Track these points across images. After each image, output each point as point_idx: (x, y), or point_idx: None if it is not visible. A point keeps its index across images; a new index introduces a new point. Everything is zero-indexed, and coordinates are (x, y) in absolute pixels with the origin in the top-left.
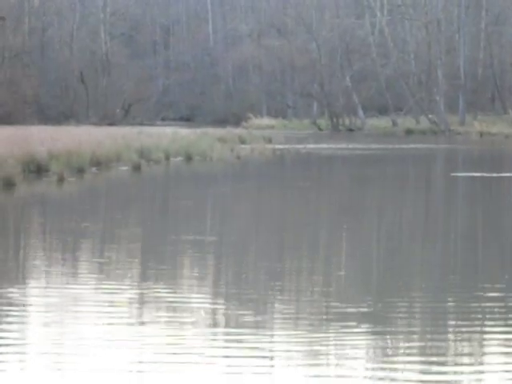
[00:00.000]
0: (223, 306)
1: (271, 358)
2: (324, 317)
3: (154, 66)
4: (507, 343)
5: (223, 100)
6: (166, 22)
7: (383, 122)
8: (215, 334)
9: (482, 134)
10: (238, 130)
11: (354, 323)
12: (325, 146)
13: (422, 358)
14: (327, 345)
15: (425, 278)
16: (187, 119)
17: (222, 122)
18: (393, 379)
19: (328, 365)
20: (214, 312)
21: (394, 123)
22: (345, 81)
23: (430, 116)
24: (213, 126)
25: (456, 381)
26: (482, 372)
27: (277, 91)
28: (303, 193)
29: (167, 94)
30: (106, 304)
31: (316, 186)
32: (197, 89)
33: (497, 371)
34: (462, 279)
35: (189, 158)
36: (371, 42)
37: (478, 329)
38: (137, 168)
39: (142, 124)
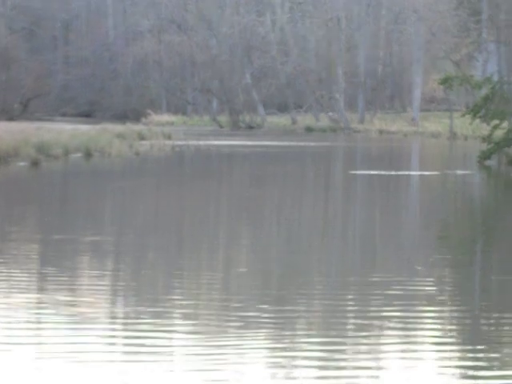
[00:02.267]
0: (120, 307)
1: (170, 361)
2: (223, 318)
3: (53, 61)
4: (406, 340)
5: (122, 96)
6: (67, 17)
7: (283, 120)
8: (114, 334)
9: (381, 132)
10: (138, 126)
11: (253, 324)
12: (225, 142)
13: (321, 354)
14: (226, 347)
15: (324, 275)
16: (87, 115)
17: (121, 117)
18: (290, 377)
19: (225, 370)
20: (112, 312)
21: (294, 121)
22: (245, 78)
23: (329, 113)
24: (112, 121)
25: (354, 376)
26: (380, 368)
27: (177, 87)
28: (202, 190)
29: (67, 90)
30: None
31: (215, 183)
32: (96, 84)
33: (392, 367)
34: (360, 277)
35: (88, 153)
36: (271, 39)
37: (377, 322)
38: (35, 164)
39: (40, 119)
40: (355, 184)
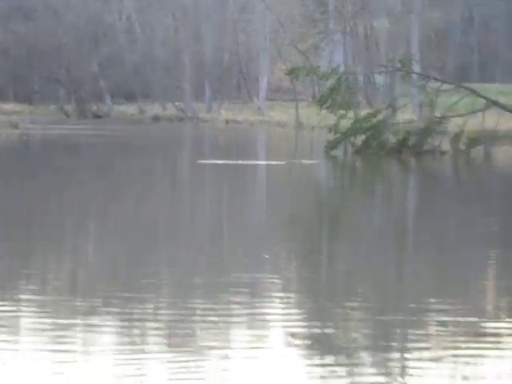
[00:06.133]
0: None
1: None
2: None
3: None
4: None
5: None
6: None
7: (131, 109)
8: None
9: (228, 122)
10: None
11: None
12: (71, 132)
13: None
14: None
15: (167, 277)
16: None
17: None
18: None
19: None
20: None
21: (142, 110)
22: (92, 66)
23: (176, 103)
24: None
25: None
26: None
27: (23, 76)
28: (40, 182)
29: None
30: None
31: (56, 174)
32: None
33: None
34: (212, 275)
35: None
36: (118, 27)
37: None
38: None
39: None
40: (203, 173)
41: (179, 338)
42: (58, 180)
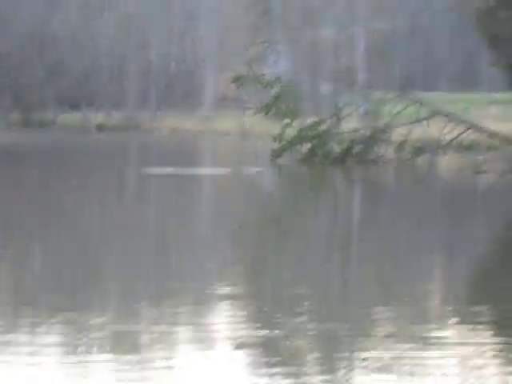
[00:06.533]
0: None
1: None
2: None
3: None
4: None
5: None
6: None
7: (75, 117)
8: None
9: (174, 130)
10: None
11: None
12: (16, 141)
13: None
14: None
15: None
16: None
17: None
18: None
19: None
20: None
21: (86, 118)
22: (37, 75)
23: (121, 111)
24: None
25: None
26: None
27: None
28: None
29: None
30: None
31: None
32: None
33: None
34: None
35: None
36: (63, 35)
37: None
38: None
39: None
40: (148, 183)
41: (125, 346)
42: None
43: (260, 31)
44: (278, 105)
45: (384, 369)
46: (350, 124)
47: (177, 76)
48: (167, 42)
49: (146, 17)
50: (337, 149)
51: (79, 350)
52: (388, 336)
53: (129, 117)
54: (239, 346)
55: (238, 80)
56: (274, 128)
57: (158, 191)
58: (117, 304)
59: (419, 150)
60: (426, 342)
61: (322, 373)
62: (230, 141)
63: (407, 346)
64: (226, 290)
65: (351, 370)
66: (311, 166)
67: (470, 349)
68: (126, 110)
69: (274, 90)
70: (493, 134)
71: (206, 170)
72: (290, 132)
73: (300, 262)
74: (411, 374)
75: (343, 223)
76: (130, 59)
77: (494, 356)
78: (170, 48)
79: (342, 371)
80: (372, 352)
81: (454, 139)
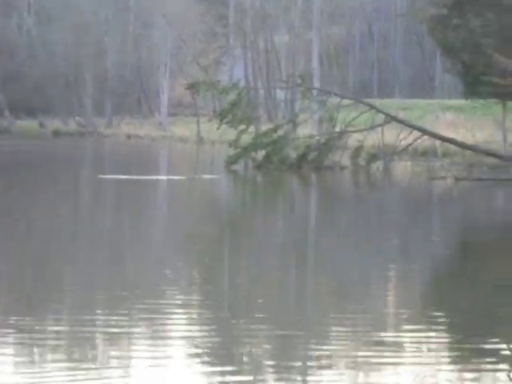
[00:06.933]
0: None
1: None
2: None
3: None
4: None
5: None
6: None
7: (31, 124)
8: None
9: (129, 137)
10: None
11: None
12: None
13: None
14: None
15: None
16: None
17: None
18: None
19: None
20: None
21: (42, 125)
22: None
23: (77, 118)
24: None
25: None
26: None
27: None
28: None
29: None
30: None
31: None
32: None
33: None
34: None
35: None
36: (19, 42)
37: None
38: None
39: None
40: (103, 189)
41: (81, 352)
42: None
43: (215, 37)
44: (234, 111)
45: (339, 370)
46: (306, 130)
47: (132, 83)
48: (123, 50)
49: (101, 25)
50: (293, 155)
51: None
52: (342, 339)
53: (85, 123)
54: (194, 351)
55: (193, 86)
56: (230, 134)
57: (112, 197)
58: (64, 309)
59: (374, 157)
60: (380, 345)
61: (278, 379)
62: (185, 147)
63: (363, 348)
64: (179, 296)
65: (305, 373)
66: (267, 172)
67: (424, 352)
68: (82, 117)
69: (230, 97)
70: (447, 140)
71: (160, 177)
72: (246, 138)
73: (254, 267)
74: (367, 376)
75: (297, 229)
76: (86, 67)
77: (448, 356)
78: (126, 55)
79: (297, 376)
80: (328, 354)
81: (409, 145)
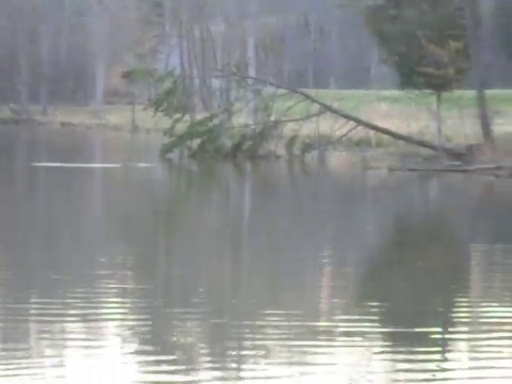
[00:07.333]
0: None
1: None
2: None
3: None
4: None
5: None
6: None
7: None
8: None
9: (64, 124)
10: None
11: None
12: None
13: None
14: None
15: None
16: None
17: None
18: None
19: None
20: None
21: None
22: None
23: (11, 105)
24: None
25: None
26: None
27: None
28: None
29: None
30: None
31: None
32: None
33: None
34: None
35: None
36: None
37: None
38: None
39: None
40: (37, 176)
41: (13, 339)
42: None
43: (151, 25)
44: (170, 99)
45: (275, 359)
46: (241, 119)
47: (67, 70)
48: (57, 36)
49: (36, 11)
50: (228, 144)
51: None
52: (276, 328)
53: (19, 111)
54: (128, 338)
55: (128, 74)
56: (165, 122)
57: (46, 184)
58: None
59: (309, 146)
60: (314, 333)
61: (213, 368)
62: (120, 135)
63: (297, 337)
64: (115, 284)
65: (241, 361)
66: (202, 161)
67: (358, 339)
68: (15, 104)
69: (166, 85)
70: (382, 131)
71: (95, 164)
72: (181, 127)
73: (190, 256)
74: (301, 363)
75: (231, 217)
76: (20, 53)
77: (382, 345)
78: (61, 42)
79: (233, 364)
80: (262, 343)
81: (343, 136)
